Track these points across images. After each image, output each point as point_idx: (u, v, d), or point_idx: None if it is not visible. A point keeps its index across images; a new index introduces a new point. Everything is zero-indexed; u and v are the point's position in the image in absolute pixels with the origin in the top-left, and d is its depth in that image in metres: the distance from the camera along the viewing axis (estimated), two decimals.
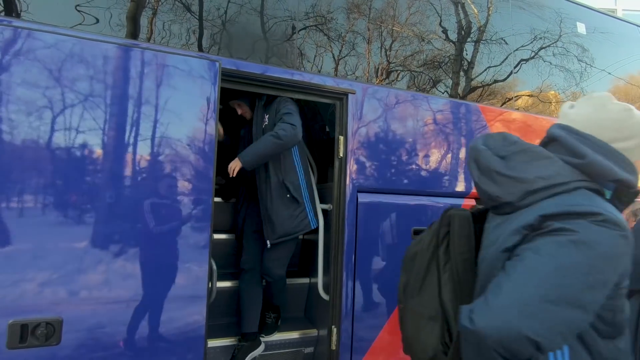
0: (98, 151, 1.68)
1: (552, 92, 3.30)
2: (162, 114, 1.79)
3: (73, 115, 1.64)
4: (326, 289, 2.55)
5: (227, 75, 1.97)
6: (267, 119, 2.55)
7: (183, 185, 1.81)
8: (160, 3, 1.96)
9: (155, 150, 1.78)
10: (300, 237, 3.25)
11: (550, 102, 3.29)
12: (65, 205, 1.62)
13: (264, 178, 2.52)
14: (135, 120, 1.75)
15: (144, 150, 1.76)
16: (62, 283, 1.59)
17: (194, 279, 1.79)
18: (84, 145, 1.66)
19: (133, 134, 1.75)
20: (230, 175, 2.39)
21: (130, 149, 1.74)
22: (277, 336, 2.63)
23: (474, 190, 2.77)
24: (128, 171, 1.73)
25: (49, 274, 1.57)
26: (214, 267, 2.08)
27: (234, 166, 2.37)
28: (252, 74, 2.08)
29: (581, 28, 3.49)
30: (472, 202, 2.78)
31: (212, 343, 2.35)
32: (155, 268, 1.73)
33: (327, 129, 3.15)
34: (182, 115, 1.82)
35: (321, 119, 3.24)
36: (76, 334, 1.59)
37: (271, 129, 2.47)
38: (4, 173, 1.54)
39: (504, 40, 3.08)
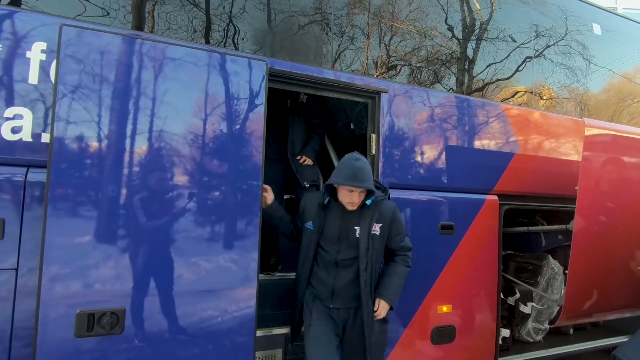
0: (156, 148, 1.74)
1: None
2: (214, 114, 1.85)
3: (135, 117, 1.70)
4: None
5: (272, 75, 2.04)
6: (378, 229, 1.99)
7: (234, 180, 1.87)
8: (210, 6, 2.02)
9: (207, 148, 1.84)
10: None
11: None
12: (128, 201, 1.68)
13: (360, 280, 1.96)
14: (186, 119, 1.81)
15: (196, 148, 1.82)
16: (126, 274, 1.65)
17: (247, 270, 1.86)
18: (142, 144, 1.72)
19: (187, 133, 1.80)
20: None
21: (186, 147, 1.79)
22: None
23: (496, 186, 2.88)
24: (182, 169, 1.79)
25: (113, 265, 1.64)
26: None
27: (383, 311, 2.01)
28: (295, 73, 2.15)
29: (597, 29, 3.58)
30: (495, 197, 2.88)
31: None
32: (212, 261, 1.80)
33: (352, 127, 3.22)
34: (232, 113, 1.88)
35: (345, 117, 3.31)
36: (138, 322, 1.66)
37: (382, 242, 2.03)
38: (76, 169, 1.60)
39: (512, 38, 3.16)
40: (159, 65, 1.74)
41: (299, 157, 2.83)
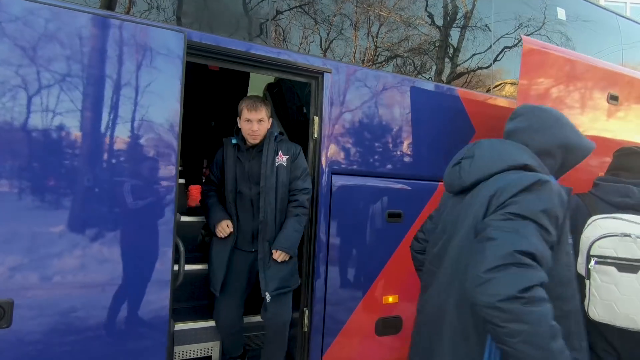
0: (53, 131, 1.57)
1: None
2: (122, 90, 1.68)
3: (27, 92, 1.52)
4: (299, 271, 2.53)
5: (193, 49, 1.87)
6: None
7: (145, 164, 1.72)
8: None
9: (113, 129, 1.68)
10: None
11: None
12: (20, 186, 1.51)
13: None
14: (91, 97, 1.64)
15: (102, 129, 1.66)
16: (15, 265, 1.50)
17: (158, 261, 1.72)
18: (39, 125, 1.55)
19: (89, 112, 1.64)
20: None
21: (87, 127, 1.63)
22: (251, 318, 2.61)
23: None
24: (84, 151, 1.63)
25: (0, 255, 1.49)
26: (182, 249, 2.02)
27: None
28: (222, 48, 1.97)
29: (561, 14, 3.48)
30: None
31: (180, 326, 2.30)
32: (116, 250, 1.66)
33: (305, 110, 3.07)
34: (143, 91, 1.71)
35: (298, 100, 3.16)
36: (30, 316, 1.52)
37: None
38: None
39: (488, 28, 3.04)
40: (43, 32, 1.55)
41: (273, 252, 2.15)
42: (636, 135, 2.88)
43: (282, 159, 2.25)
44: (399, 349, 2.63)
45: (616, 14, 3.98)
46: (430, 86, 2.73)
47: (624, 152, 1.97)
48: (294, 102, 3.22)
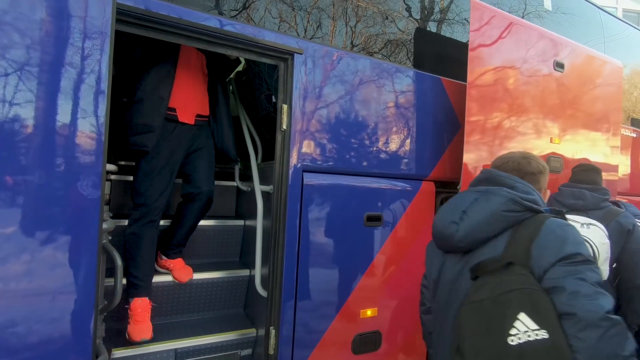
0: None
1: None
2: (30, 66, 1.31)
3: None
4: (265, 283, 2.21)
5: (124, 15, 1.49)
6: None
7: (58, 153, 1.35)
8: None
9: (21, 112, 1.30)
10: (242, 223, 2.88)
11: None
12: None
13: None
14: None
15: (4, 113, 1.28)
16: None
17: (76, 274, 1.35)
18: None
19: None
20: None
21: None
22: (210, 338, 2.26)
23: (433, 172, 2.53)
24: None
25: None
26: (118, 262, 1.65)
27: None
28: (163, 16, 1.60)
29: (547, 3, 3.31)
30: (431, 185, 2.53)
31: (122, 353, 1.93)
32: (21, 261, 1.28)
33: (274, 100, 2.74)
34: (59, 65, 1.34)
35: (267, 88, 2.82)
36: None
37: None
38: None
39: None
40: None
41: None
42: (579, 101, 2.92)
43: None
44: None
45: (599, 8, 3.89)
46: (414, 75, 2.45)
47: (582, 169, 2.27)
48: (262, 90, 2.88)
